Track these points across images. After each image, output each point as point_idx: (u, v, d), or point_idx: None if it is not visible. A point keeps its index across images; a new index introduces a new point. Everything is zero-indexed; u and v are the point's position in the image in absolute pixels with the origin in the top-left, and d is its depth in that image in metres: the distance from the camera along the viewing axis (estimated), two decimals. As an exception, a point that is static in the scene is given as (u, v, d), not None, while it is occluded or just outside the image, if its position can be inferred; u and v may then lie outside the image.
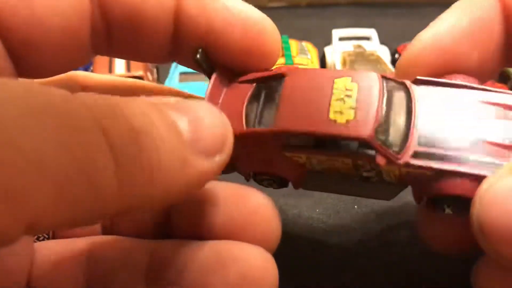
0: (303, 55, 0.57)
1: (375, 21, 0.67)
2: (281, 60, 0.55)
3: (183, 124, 0.21)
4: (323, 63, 0.58)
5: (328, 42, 0.61)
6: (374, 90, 0.26)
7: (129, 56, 0.29)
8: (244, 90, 0.28)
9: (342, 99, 0.26)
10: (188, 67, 0.29)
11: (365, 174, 0.27)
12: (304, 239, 0.37)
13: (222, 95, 0.28)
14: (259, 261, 0.24)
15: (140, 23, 0.26)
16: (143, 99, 0.20)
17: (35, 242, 0.27)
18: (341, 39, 0.61)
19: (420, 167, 0.25)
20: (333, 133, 0.25)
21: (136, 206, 0.19)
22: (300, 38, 0.61)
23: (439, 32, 0.29)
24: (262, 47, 0.27)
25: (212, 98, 0.28)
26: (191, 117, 0.21)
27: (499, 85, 0.51)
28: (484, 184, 0.22)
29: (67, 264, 0.26)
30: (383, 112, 0.26)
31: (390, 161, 0.25)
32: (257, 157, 0.27)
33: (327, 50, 0.58)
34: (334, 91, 0.26)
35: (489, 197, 0.22)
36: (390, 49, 0.59)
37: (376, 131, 0.25)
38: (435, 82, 0.27)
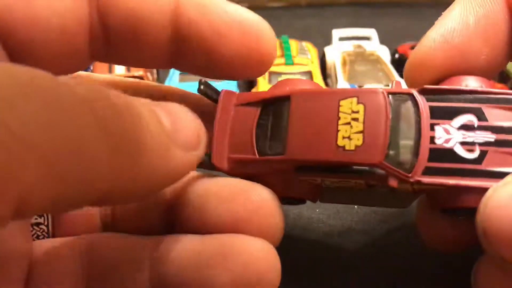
0: (303, 55, 0.57)
1: (375, 21, 0.67)
2: (281, 60, 0.55)
3: (163, 116, 0.21)
4: (323, 63, 0.58)
5: (328, 42, 0.61)
6: (381, 109, 0.25)
7: (128, 62, 0.29)
8: (250, 115, 0.28)
9: (349, 123, 0.25)
10: (189, 73, 0.30)
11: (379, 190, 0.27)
12: (304, 239, 0.37)
13: (230, 121, 0.28)
14: (262, 253, 0.24)
15: (138, 27, 0.26)
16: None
17: (34, 240, 0.27)
18: (341, 39, 0.61)
19: (432, 184, 0.25)
20: (343, 160, 0.25)
21: (118, 191, 0.19)
22: (300, 38, 0.61)
23: (449, 30, 0.28)
24: (260, 50, 0.27)
25: (221, 125, 0.28)
26: (169, 113, 0.22)
27: (499, 85, 0.51)
28: (489, 191, 0.23)
29: (66, 261, 0.26)
30: (391, 130, 0.25)
31: (402, 180, 0.25)
32: (273, 181, 0.27)
33: (327, 50, 0.58)
34: (340, 114, 0.26)
35: (492, 202, 0.22)
36: (390, 49, 0.59)
37: (386, 153, 0.25)
38: (443, 90, 0.27)
